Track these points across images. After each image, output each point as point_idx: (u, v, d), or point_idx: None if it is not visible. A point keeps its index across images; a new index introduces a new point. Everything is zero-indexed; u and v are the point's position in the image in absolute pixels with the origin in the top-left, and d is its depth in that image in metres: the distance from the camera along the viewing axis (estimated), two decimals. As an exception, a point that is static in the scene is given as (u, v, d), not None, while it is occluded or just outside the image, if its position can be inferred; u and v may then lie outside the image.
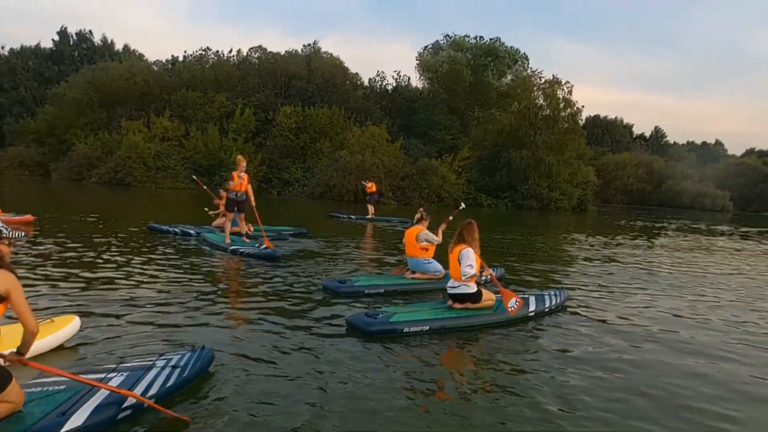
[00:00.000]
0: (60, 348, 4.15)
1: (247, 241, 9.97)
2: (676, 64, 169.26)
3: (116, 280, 6.64)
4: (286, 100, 37.46)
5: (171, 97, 37.70)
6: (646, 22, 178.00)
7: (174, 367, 3.50)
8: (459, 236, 5.88)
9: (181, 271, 7.54)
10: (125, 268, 7.37)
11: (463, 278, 5.55)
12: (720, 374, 4.50)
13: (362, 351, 4.57)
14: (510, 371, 4.34)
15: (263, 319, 5.38)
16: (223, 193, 10.83)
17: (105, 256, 8.14)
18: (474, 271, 5.53)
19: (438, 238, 7.44)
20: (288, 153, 35.04)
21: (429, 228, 7.60)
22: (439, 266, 7.39)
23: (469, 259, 5.56)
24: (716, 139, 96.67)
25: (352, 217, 17.75)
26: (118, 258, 8.05)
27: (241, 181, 9.83)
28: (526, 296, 6.29)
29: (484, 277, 7.02)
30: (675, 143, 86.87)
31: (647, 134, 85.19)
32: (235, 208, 10.05)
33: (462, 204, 7.33)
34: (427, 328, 5.13)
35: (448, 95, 42.13)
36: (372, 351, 4.57)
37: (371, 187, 19.16)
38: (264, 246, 9.33)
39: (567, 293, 6.78)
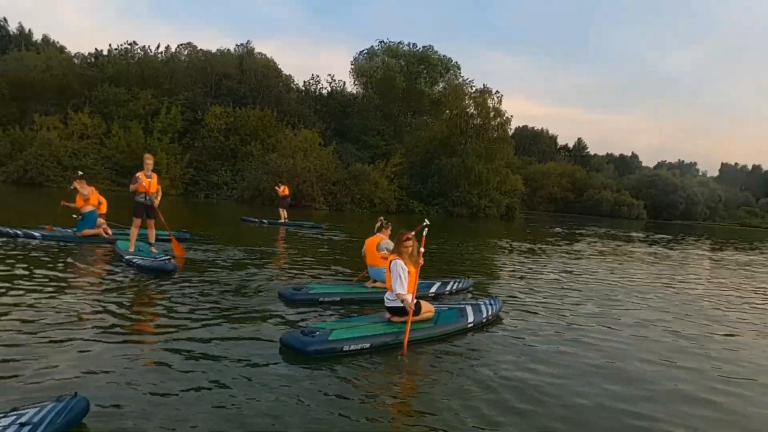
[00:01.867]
0: None
1: (155, 251, 8.77)
2: (598, 82, 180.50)
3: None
4: (216, 100, 36.37)
5: (92, 92, 35.66)
6: (571, 41, 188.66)
7: (24, 425, 2.64)
8: (393, 247, 5.62)
9: (52, 287, 6.12)
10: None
11: (395, 293, 5.24)
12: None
13: (300, 377, 4.05)
14: (451, 388, 4.09)
15: (163, 346, 4.49)
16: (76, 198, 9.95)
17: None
18: (402, 290, 5.19)
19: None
20: (217, 155, 33.98)
21: (391, 237, 7.37)
22: None
23: (396, 272, 5.22)
24: (632, 152, 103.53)
25: (264, 221, 17.35)
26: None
27: (150, 181, 8.79)
28: (463, 306, 6.16)
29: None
30: (596, 155, 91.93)
31: (570, 145, 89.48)
32: (144, 213, 8.89)
33: (426, 222, 7.25)
34: (368, 345, 4.73)
35: (382, 101, 42.44)
36: (311, 375, 4.10)
37: (284, 191, 18.74)
38: (163, 256, 8.29)
39: (501, 302, 6.65)
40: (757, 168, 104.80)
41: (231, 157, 34.14)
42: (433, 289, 7.56)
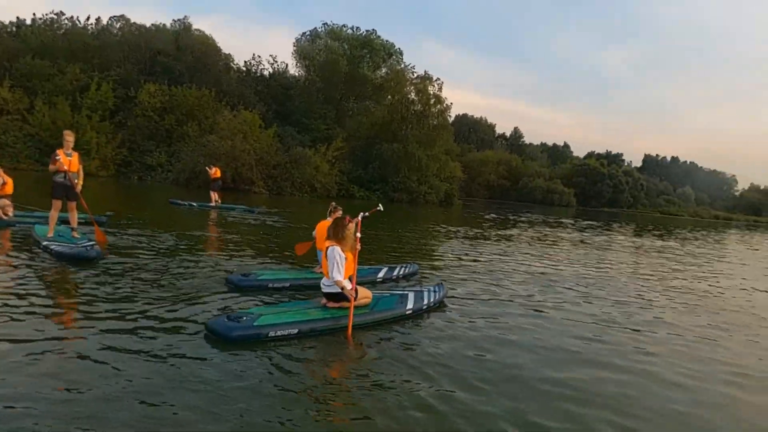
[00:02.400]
0: None
1: (77, 236, 8.22)
2: (533, 76, 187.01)
3: None
4: (150, 78, 34.84)
5: (13, 65, 33.33)
6: (510, 36, 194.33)
7: None
8: (330, 232, 5.53)
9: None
10: None
11: (332, 279, 5.28)
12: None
13: (220, 362, 4.03)
14: (379, 375, 4.10)
15: (81, 338, 4.28)
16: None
17: None
18: (340, 276, 5.21)
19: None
20: (151, 135, 32.67)
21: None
22: None
23: (334, 258, 5.25)
24: (564, 142, 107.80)
25: (194, 204, 16.91)
26: None
27: (70, 160, 8.15)
28: (406, 293, 6.16)
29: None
30: (531, 144, 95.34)
31: (508, 134, 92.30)
32: (64, 195, 8.23)
33: (380, 206, 7.37)
34: (296, 331, 4.70)
35: (325, 85, 42.12)
36: (232, 360, 4.07)
37: (215, 173, 18.30)
38: (86, 242, 7.68)
39: (446, 289, 6.73)
40: (675, 159, 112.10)
41: (166, 137, 32.90)
42: (380, 275, 7.80)
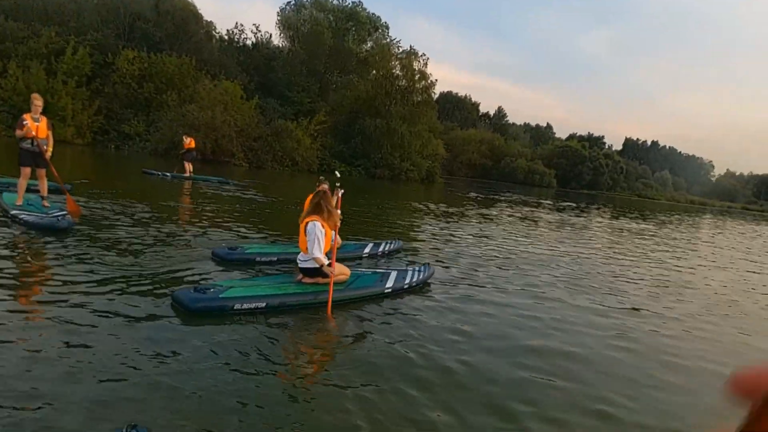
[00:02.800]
0: None
1: (47, 205, 7.96)
2: (518, 56, 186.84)
3: None
4: (129, 44, 33.86)
5: (-16, 26, 32.11)
6: (496, 16, 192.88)
7: None
8: (312, 207, 5.45)
9: None
10: None
11: (309, 252, 5.22)
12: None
13: (184, 334, 4.02)
14: (349, 353, 4.13)
15: (47, 310, 4.23)
16: None
17: None
18: (320, 253, 5.15)
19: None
20: (129, 103, 31.87)
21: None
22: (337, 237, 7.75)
23: (313, 234, 5.17)
24: (547, 123, 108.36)
25: (167, 174, 16.58)
26: None
27: (38, 125, 7.82)
28: (388, 272, 6.13)
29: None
30: (514, 123, 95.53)
31: (491, 113, 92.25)
32: (33, 163, 7.92)
33: (337, 173, 7.51)
34: (264, 305, 4.61)
35: (309, 57, 41.38)
36: (198, 333, 4.07)
37: (189, 143, 17.74)
38: (57, 212, 7.41)
39: (432, 269, 6.64)
40: (655, 144, 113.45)
41: (145, 106, 32.12)
42: (366, 250, 7.93)
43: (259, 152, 31.08)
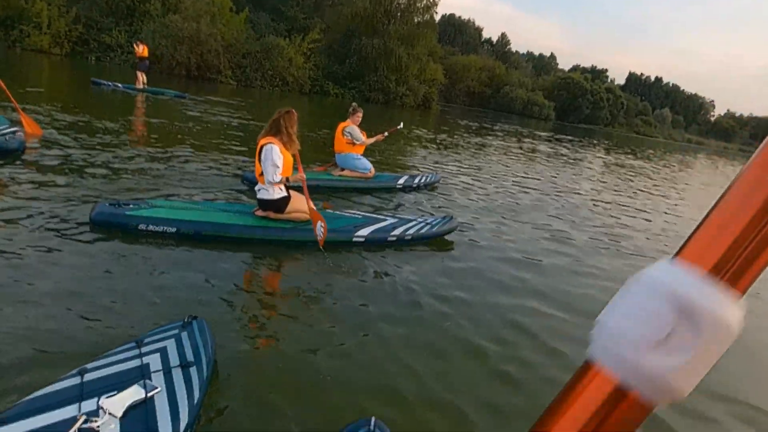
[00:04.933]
0: None
1: None
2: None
3: None
4: (107, -57, 31.13)
5: None
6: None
7: None
8: (270, 126, 4.62)
9: None
10: None
11: (265, 181, 4.56)
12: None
13: (99, 250, 3.76)
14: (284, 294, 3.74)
15: None
16: None
17: None
18: (276, 177, 4.49)
19: (363, 139, 7.19)
20: (110, 11, 29.66)
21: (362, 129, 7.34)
22: (368, 164, 7.27)
23: (269, 158, 4.47)
24: (551, 53, 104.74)
25: (119, 85, 15.18)
26: None
27: None
28: (383, 218, 5.26)
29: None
30: (517, 52, 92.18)
31: (494, 39, 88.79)
32: None
33: (401, 124, 7.61)
34: (174, 230, 4.24)
35: (304, -32, 38.70)
36: (109, 251, 3.77)
37: (142, 51, 16.18)
38: (6, 128, 6.41)
39: (455, 222, 5.55)
40: (658, 80, 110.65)
41: (127, 15, 29.90)
42: (400, 182, 7.56)
43: (247, 70, 29.45)
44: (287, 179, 4.64)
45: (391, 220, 5.23)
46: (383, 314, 3.51)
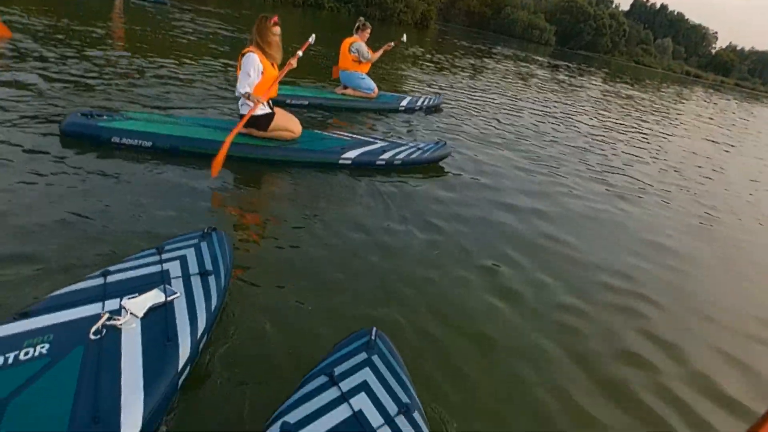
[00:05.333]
0: None
1: None
2: None
3: None
4: None
5: None
6: None
7: None
8: (250, 36, 4.23)
9: None
10: None
11: (237, 92, 4.15)
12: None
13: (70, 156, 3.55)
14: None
15: None
16: None
17: None
18: (246, 87, 4.06)
19: (370, 55, 6.82)
20: None
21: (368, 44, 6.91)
22: (372, 84, 7.00)
23: (246, 67, 4.05)
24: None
25: None
26: None
27: None
28: (371, 140, 4.94)
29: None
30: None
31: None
32: None
33: (405, 36, 7.30)
34: (149, 144, 3.94)
35: None
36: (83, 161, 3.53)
37: None
38: None
39: (447, 147, 5.23)
40: (664, 8, 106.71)
41: None
42: (403, 103, 7.34)
43: (237, -24, 27.58)
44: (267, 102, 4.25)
45: (381, 143, 4.95)
46: (374, 234, 3.47)
